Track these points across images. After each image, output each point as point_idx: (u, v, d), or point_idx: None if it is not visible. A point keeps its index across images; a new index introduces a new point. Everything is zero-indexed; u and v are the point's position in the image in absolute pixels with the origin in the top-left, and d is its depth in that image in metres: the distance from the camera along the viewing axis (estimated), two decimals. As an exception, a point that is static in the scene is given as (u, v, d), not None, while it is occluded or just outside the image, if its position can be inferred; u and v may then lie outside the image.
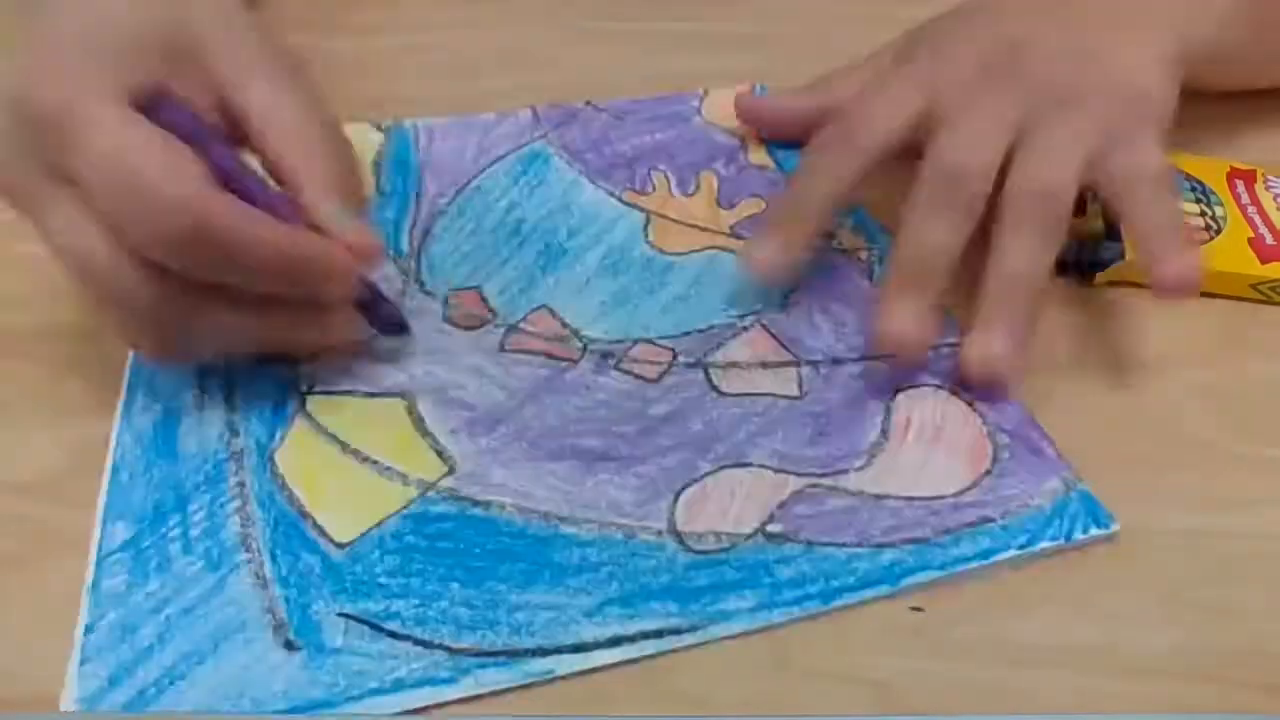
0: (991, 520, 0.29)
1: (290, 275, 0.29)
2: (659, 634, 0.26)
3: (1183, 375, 0.33)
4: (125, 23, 0.29)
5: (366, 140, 0.42)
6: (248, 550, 0.28)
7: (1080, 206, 0.35)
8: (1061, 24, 0.36)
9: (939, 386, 0.33)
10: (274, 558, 0.28)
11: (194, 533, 0.28)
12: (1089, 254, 0.36)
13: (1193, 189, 0.39)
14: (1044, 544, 0.28)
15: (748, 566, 0.28)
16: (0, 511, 0.29)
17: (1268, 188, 0.39)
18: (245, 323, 0.29)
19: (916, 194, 0.33)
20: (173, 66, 0.29)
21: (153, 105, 0.28)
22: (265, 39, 0.31)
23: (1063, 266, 0.36)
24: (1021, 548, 0.28)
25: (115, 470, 0.30)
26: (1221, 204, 0.38)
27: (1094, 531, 0.28)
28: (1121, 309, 0.36)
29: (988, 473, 0.30)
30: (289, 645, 0.26)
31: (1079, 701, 0.25)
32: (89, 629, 0.26)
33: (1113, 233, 0.36)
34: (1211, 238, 0.37)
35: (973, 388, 0.32)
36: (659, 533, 0.28)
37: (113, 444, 0.30)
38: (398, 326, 0.33)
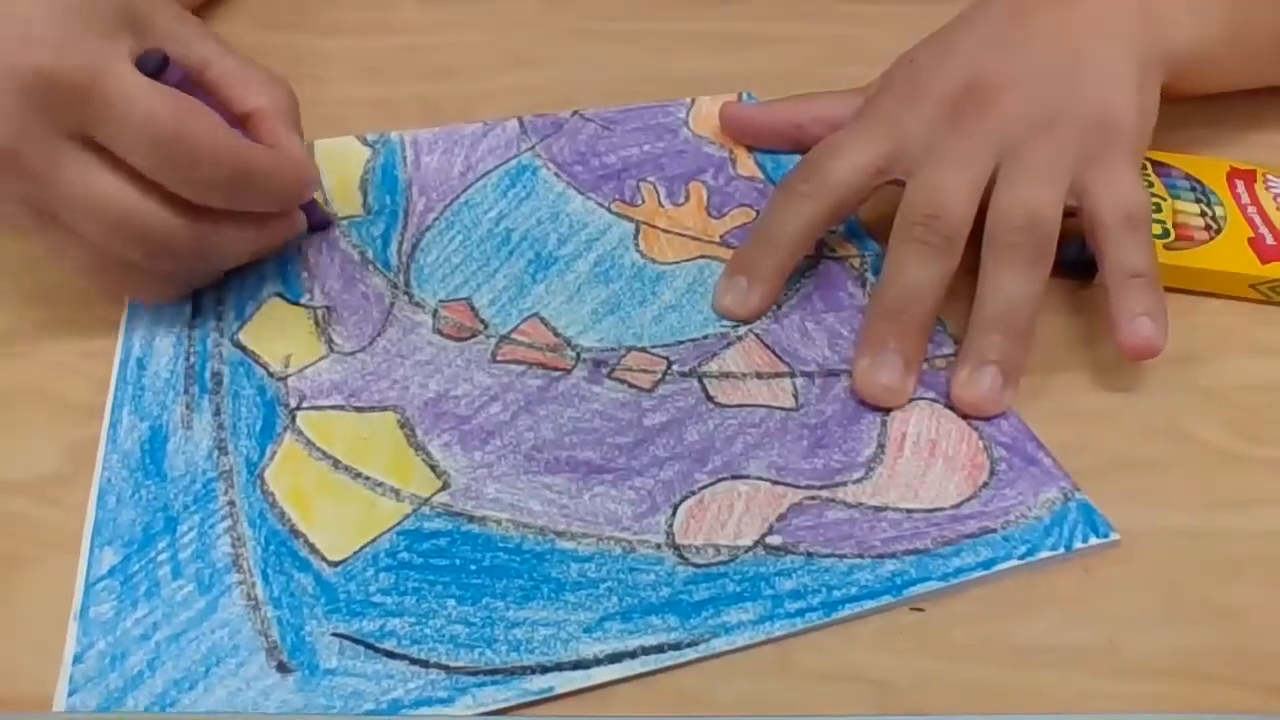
0: (992, 530, 0.28)
1: (292, 195, 0.34)
2: (660, 649, 0.26)
3: (1183, 375, 0.33)
4: None
5: (354, 155, 0.42)
6: (239, 571, 0.27)
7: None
8: (1024, 53, 0.35)
9: (934, 400, 0.32)
10: (266, 578, 0.27)
11: (183, 555, 0.28)
12: (1089, 254, 0.36)
13: (1192, 189, 0.39)
14: (1044, 553, 0.28)
15: (748, 579, 0.27)
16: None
17: (1268, 187, 0.39)
18: (247, 236, 0.34)
19: (895, 237, 0.33)
20: (133, 29, 0.31)
21: (158, 68, 0.31)
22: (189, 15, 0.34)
23: (1062, 266, 0.36)
24: (1022, 557, 0.28)
25: (102, 495, 0.29)
26: (1221, 204, 0.38)
27: (1094, 541, 0.28)
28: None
29: (986, 484, 0.30)
30: (282, 667, 0.25)
31: (1079, 701, 0.25)
32: (78, 658, 0.25)
33: None
34: (1211, 238, 0.37)
35: None
36: (658, 546, 0.28)
37: (98, 468, 0.30)
38: (325, 223, 0.38)
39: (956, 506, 0.29)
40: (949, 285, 0.33)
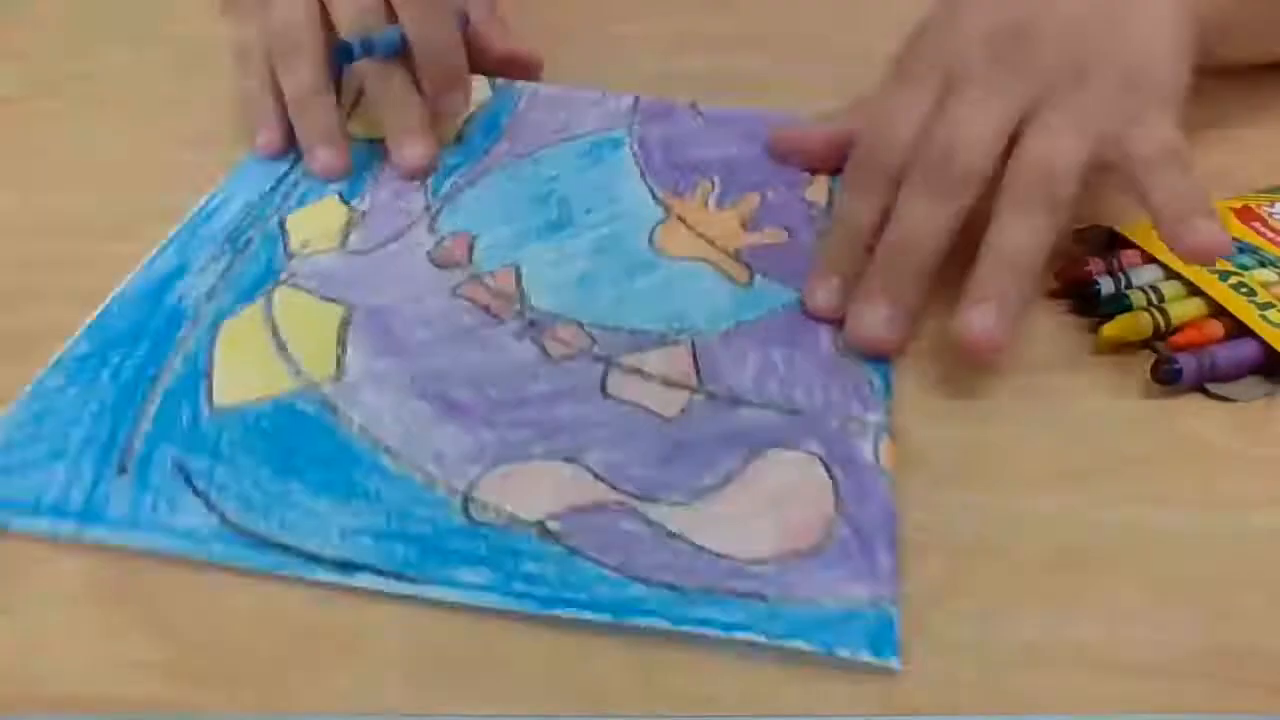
0: (761, 598, 0.26)
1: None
2: (382, 573, 0.27)
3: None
4: None
5: (478, 93, 0.45)
6: (152, 391, 0.32)
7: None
8: None
9: (818, 457, 0.30)
10: (163, 402, 0.32)
11: (128, 364, 0.33)
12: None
13: (1244, 250, 0.35)
14: (799, 643, 0.25)
15: (499, 548, 0.27)
16: None
17: (1267, 212, 0.36)
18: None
19: (906, 175, 0.33)
20: None
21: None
22: None
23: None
24: (770, 636, 0.25)
25: (111, 303, 0.35)
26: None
27: (862, 655, 0.25)
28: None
29: (798, 554, 0.27)
30: (121, 469, 0.30)
31: (1079, 701, 0.25)
32: (11, 415, 0.31)
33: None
34: None
35: (847, 470, 0.29)
36: (453, 491, 0.29)
37: (123, 284, 0.36)
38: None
39: (748, 562, 0.27)
40: (956, 234, 0.32)
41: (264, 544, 0.28)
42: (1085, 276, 0.35)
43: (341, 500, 0.29)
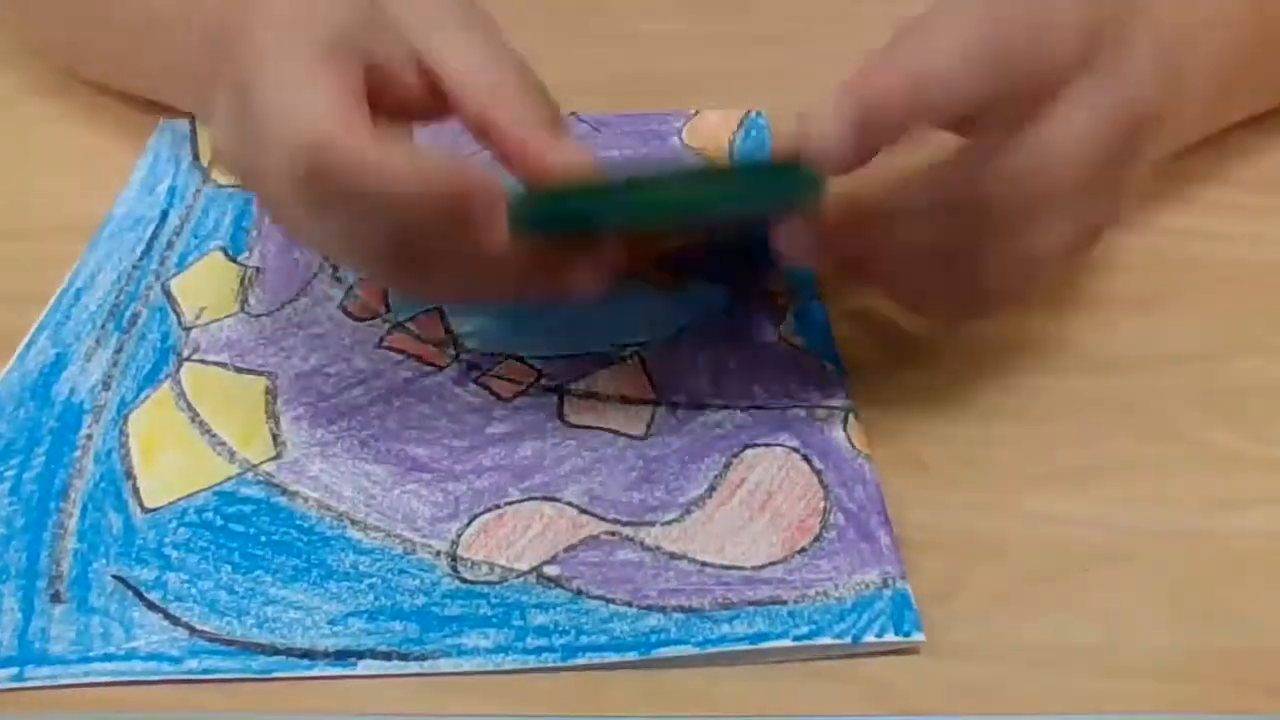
0: (781, 602, 0.26)
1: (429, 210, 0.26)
2: (386, 656, 0.25)
3: (1182, 375, 0.33)
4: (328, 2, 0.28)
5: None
6: (66, 501, 0.29)
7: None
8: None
9: (794, 450, 0.30)
10: (84, 512, 0.29)
11: (28, 475, 0.30)
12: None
13: None
14: (825, 639, 0.25)
15: (504, 605, 0.26)
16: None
17: None
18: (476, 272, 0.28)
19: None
20: (373, 33, 0.28)
21: None
22: None
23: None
24: (798, 639, 0.25)
25: None
26: None
27: (888, 637, 0.25)
28: (1121, 308, 0.35)
29: (802, 550, 0.27)
30: (56, 597, 0.27)
31: (1079, 701, 0.25)
32: None
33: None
34: None
35: (826, 458, 0.30)
36: (437, 554, 0.28)
37: None
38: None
39: (758, 568, 0.27)
40: None
41: (246, 649, 0.26)
42: None
43: (318, 585, 0.27)
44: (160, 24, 0.37)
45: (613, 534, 0.28)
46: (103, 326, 0.35)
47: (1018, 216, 0.27)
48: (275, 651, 0.26)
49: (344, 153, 0.25)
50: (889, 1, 0.45)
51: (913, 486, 0.29)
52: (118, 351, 0.34)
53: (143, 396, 0.32)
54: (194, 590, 0.27)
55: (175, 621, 0.26)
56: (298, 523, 0.29)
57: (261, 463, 0.30)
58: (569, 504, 0.29)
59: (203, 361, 0.33)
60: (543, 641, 0.26)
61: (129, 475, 0.30)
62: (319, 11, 0.28)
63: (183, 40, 0.34)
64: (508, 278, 0.29)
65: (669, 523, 0.28)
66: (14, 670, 0.25)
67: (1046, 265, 0.29)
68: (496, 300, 0.32)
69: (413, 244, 0.27)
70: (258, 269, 0.37)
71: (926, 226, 0.28)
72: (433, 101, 0.29)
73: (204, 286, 0.36)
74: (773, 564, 0.27)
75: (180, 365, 0.33)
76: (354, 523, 0.29)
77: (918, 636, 0.25)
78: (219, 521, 0.29)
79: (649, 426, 0.31)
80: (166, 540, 0.28)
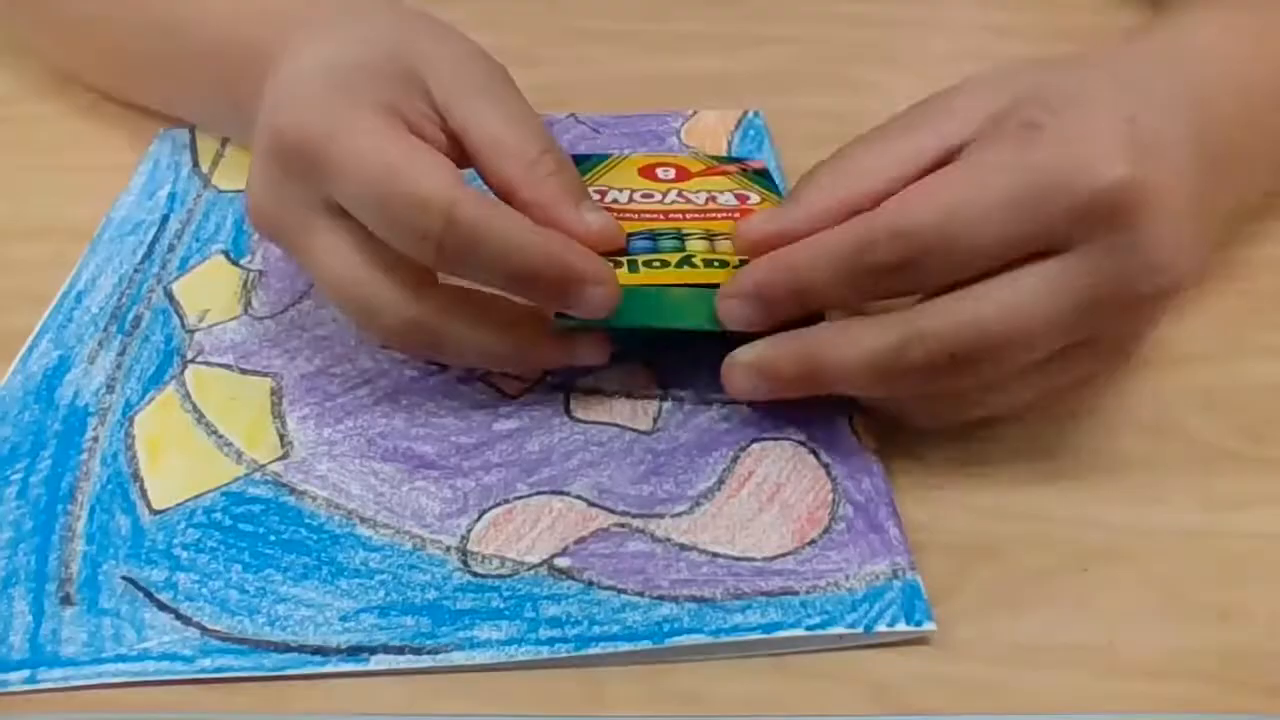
0: (793, 593, 0.26)
1: (541, 279, 0.28)
2: (400, 650, 0.25)
3: (1182, 375, 0.33)
4: (362, 55, 0.30)
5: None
6: (73, 503, 0.29)
7: None
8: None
9: (800, 443, 0.30)
10: (92, 514, 0.29)
11: (34, 479, 0.30)
12: None
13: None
14: (838, 629, 0.25)
15: (516, 597, 0.26)
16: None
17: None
18: (480, 337, 0.30)
19: None
20: (404, 91, 0.30)
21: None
22: (475, 55, 0.32)
23: None
24: (811, 629, 0.25)
25: None
26: None
27: (900, 627, 0.25)
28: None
29: (812, 541, 0.28)
30: (66, 599, 0.27)
31: (1079, 701, 0.25)
32: None
33: None
34: None
35: (834, 451, 0.30)
36: (447, 549, 0.28)
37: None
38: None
39: (769, 559, 0.27)
40: None
41: (258, 647, 0.26)
42: None
43: (329, 582, 0.27)
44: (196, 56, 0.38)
45: (623, 526, 0.28)
46: (105, 329, 0.35)
47: (971, 386, 0.28)
48: (288, 649, 0.26)
49: (476, 209, 0.27)
50: (889, 1, 0.46)
51: (913, 486, 0.29)
52: (121, 354, 0.34)
53: (147, 398, 0.32)
54: (205, 590, 0.27)
55: (187, 621, 0.26)
56: (307, 521, 0.29)
57: (269, 463, 0.30)
58: (578, 497, 0.29)
59: (207, 363, 0.33)
60: (555, 632, 0.26)
61: (136, 477, 0.30)
62: (365, 75, 0.29)
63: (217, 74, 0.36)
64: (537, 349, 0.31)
65: (679, 515, 0.28)
66: (26, 673, 0.25)
67: (1026, 404, 0.29)
68: (511, 369, 0.32)
69: (491, 310, 0.30)
70: (260, 272, 0.37)
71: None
72: (453, 155, 0.30)
73: (206, 289, 0.36)
74: (783, 555, 0.27)
75: (184, 367, 0.33)
76: (363, 520, 0.29)
77: (929, 626, 0.25)
78: (228, 521, 0.29)
79: (656, 421, 0.31)
80: (176, 541, 0.28)
